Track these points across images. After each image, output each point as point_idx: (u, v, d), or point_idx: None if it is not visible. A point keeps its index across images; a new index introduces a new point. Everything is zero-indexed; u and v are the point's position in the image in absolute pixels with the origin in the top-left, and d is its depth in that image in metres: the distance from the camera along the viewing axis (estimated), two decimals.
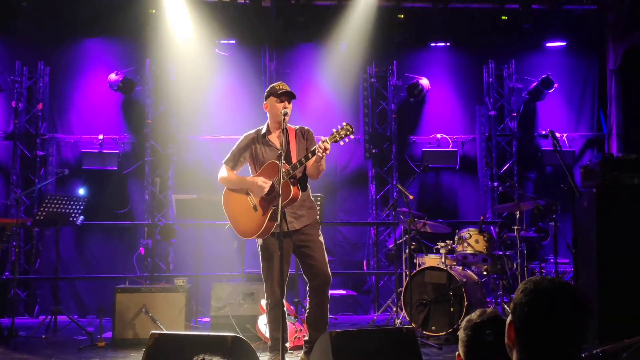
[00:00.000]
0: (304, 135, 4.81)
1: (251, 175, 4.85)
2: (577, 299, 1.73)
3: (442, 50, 9.17)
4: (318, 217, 4.87)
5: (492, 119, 9.02)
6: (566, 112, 9.35)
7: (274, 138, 4.78)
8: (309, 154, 4.50)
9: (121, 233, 8.63)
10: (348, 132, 4.41)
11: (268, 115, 4.81)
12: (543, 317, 1.71)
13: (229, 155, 4.88)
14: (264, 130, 4.82)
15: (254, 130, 4.89)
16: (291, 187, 4.53)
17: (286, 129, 4.52)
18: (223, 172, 4.85)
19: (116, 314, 6.08)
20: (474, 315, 2.03)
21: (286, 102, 4.67)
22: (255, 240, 4.79)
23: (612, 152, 8.37)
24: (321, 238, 4.79)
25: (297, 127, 4.86)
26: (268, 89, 4.82)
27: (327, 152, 4.39)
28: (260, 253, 4.79)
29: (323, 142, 4.40)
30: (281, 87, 4.72)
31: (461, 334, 2.02)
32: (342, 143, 4.45)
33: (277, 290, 4.65)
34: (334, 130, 4.44)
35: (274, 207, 4.42)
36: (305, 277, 4.77)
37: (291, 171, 4.51)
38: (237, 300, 6.27)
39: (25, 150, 8.50)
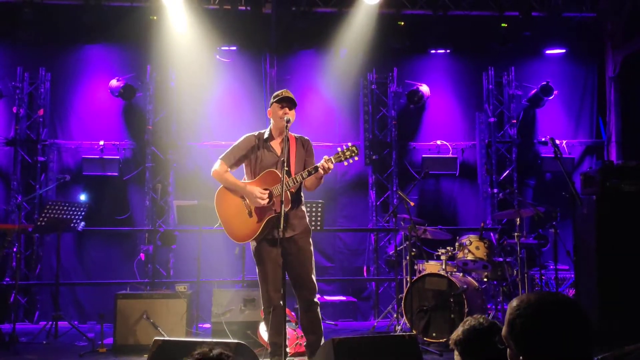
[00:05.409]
0: (304, 146, 4.87)
1: (245, 177, 4.88)
2: (574, 308, 1.75)
3: (442, 57, 9.20)
4: (312, 226, 4.94)
5: (492, 125, 9.04)
6: (565, 119, 9.39)
7: (276, 144, 4.81)
8: (312, 170, 4.55)
9: (122, 239, 8.62)
10: (353, 154, 4.52)
11: (271, 121, 4.85)
12: (549, 336, 1.71)
13: (227, 152, 4.86)
14: (266, 135, 4.85)
15: (256, 133, 4.91)
16: (289, 197, 4.57)
17: (287, 137, 4.58)
18: (219, 167, 4.81)
19: (117, 320, 6.09)
20: (471, 320, 2.04)
21: (287, 109, 4.71)
22: (250, 245, 4.84)
23: (611, 159, 8.39)
24: (311, 247, 4.82)
25: (298, 136, 4.90)
26: (272, 95, 4.87)
27: (329, 171, 4.47)
28: (255, 258, 4.82)
29: (327, 161, 4.46)
30: (283, 94, 4.77)
31: (458, 335, 2.03)
32: (345, 164, 4.56)
33: (273, 295, 4.68)
34: (339, 150, 4.55)
35: (276, 214, 4.52)
36: (291, 286, 4.77)
37: (291, 183, 4.55)
38: (238, 307, 6.28)
39: (26, 156, 8.51)
